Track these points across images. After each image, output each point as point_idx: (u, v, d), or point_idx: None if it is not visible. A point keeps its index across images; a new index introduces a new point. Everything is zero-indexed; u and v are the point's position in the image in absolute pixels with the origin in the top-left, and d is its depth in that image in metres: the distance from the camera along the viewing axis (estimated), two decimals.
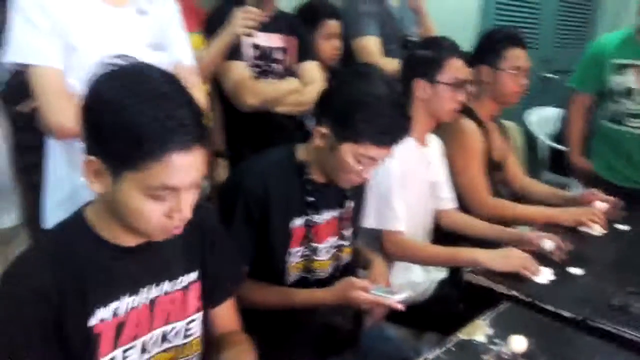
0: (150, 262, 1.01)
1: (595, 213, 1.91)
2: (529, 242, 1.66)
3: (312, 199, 1.37)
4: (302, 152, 1.40)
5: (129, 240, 0.97)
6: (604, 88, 2.48)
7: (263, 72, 1.96)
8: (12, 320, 0.89)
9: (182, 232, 0.97)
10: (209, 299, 1.13)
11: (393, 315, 1.74)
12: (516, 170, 2.32)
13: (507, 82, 2.01)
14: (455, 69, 1.72)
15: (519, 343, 1.16)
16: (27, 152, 1.46)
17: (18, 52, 1.29)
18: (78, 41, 1.32)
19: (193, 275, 1.09)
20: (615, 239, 1.84)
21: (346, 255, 1.51)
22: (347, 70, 1.51)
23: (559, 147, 3.45)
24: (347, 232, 1.50)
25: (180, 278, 1.06)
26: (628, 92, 2.40)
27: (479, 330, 1.27)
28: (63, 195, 1.40)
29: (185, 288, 1.07)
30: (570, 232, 1.84)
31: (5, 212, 1.49)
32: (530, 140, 3.73)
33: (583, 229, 1.88)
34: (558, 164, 3.45)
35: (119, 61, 0.89)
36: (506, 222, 1.90)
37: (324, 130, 1.30)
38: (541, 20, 3.96)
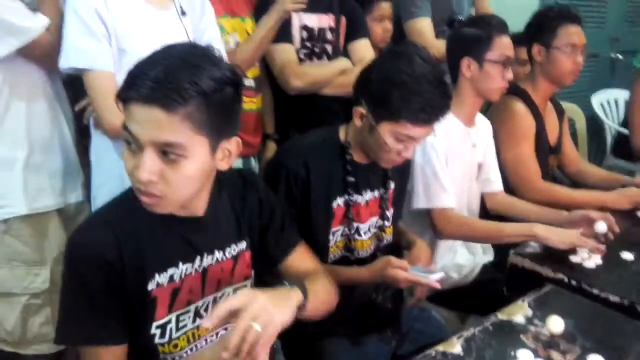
0: (205, 231, 1.06)
1: None
2: (582, 223, 1.61)
3: (352, 179, 1.40)
4: (343, 132, 1.42)
5: (186, 212, 1.02)
6: None
7: (313, 54, 1.96)
8: (76, 284, 0.96)
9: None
10: (272, 256, 1.18)
11: (437, 297, 1.77)
12: (573, 154, 2.24)
13: (562, 60, 1.94)
14: (504, 46, 1.68)
15: (556, 324, 1.15)
16: (88, 135, 1.56)
17: (75, 56, 1.37)
18: (128, 44, 1.39)
19: (242, 245, 1.14)
20: None
21: (388, 235, 1.53)
22: (385, 50, 1.51)
23: (624, 130, 3.28)
24: (389, 213, 1.52)
25: (232, 246, 1.12)
26: None
27: (519, 311, 1.26)
28: (104, 178, 1.50)
29: (236, 257, 1.12)
30: (626, 216, 1.77)
31: (72, 189, 1.60)
32: (597, 124, 3.56)
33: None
34: (624, 149, 3.29)
35: None
36: (557, 207, 1.85)
37: (362, 110, 1.32)
38: None
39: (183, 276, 1.04)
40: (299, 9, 1.68)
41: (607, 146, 3.56)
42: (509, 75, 1.69)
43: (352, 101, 1.37)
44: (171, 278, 1.02)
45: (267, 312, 0.87)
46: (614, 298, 1.32)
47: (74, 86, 1.54)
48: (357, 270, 1.40)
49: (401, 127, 1.27)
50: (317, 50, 1.97)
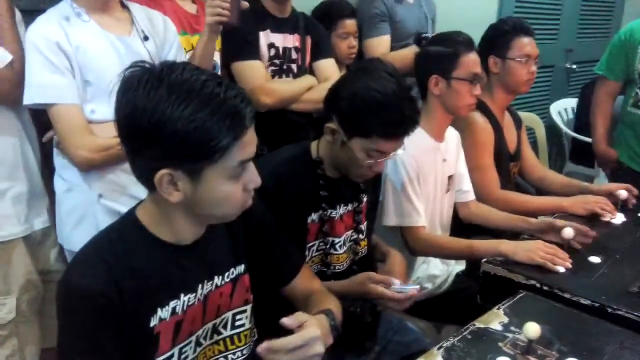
0: (203, 258, 1.04)
1: (604, 201, 1.89)
2: (549, 231, 1.66)
3: (326, 193, 1.40)
4: (315, 148, 1.43)
5: (185, 239, 1.01)
6: (632, 74, 2.45)
7: (279, 71, 1.99)
8: (74, 326, 0.92)
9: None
10: (279, 278, 1.21)
11: (413, 308, 1.77)
12: (533, 161, 2.31)
13: (517, 71, 2.01)
14: (471, 63, 1.72)
15: (533, 330, 1.17)
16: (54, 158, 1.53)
17: (39, 93, 1.36)
18: (92, 75, 1.39)
19: (240, 268, 1.12)
20: (637, 228, 1.81)
21: (362, 248, 1.54)
22: (353, 68, 1.53)
23: (581, 137, 3.40)
24: (363, 226, 1.53)
25: (230, 270, 1.10)
26: None
27: (495, 319, 1.28)
28: (71, 205, 1.47)
29: (234, 280, 1.11)
30: (590, 221, 1.82)
31: (38, 215, 1.55)
32: (556, 132, 3.69)
33: (604, 218, 1.87)
34: (581, 155, 3.41)
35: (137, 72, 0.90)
36: (517, 214, 1.90)
37: (333, 126, 1.33)
38: (562, 12, 3.91)
39: (185, 308, 1.01)
40: (221, 20, 1.54)
41: (566, 153, 3.69)
42: (477, 91, 1.74)
43: (319, 117, 1.38)
44: (174, 311, 0.99)
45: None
46: (585, 301, 1.36)
47: (40, 113, 1.50)
48: (337, 284, 1.40)
49: (372, 142, 1.29)
50: (283, 68, 2.00)
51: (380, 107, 1.26)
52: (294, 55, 2.01)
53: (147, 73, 0.88)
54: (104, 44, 1.42)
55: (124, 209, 1.41)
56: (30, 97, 1.36)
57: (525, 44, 2.00)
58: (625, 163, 2.54)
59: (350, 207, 1.47)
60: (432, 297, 1.83)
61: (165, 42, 1.56)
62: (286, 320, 0.94)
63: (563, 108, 3.80)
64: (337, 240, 1.45)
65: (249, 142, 0.93)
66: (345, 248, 1.48)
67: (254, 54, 1.89)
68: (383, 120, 1.26)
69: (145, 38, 1.48)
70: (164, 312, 0.97)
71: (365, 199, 1.51)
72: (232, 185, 0.93)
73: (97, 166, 1.42)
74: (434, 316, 1.88)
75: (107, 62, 1.39)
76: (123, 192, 1.45)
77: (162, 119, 0.85)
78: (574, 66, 4.06)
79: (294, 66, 2.02)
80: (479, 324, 1.27)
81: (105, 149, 1.38)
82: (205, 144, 0.87)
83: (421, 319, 1.84)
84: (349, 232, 1.49)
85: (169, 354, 0.99)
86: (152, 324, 0.96)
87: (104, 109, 1.37)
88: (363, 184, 1.48)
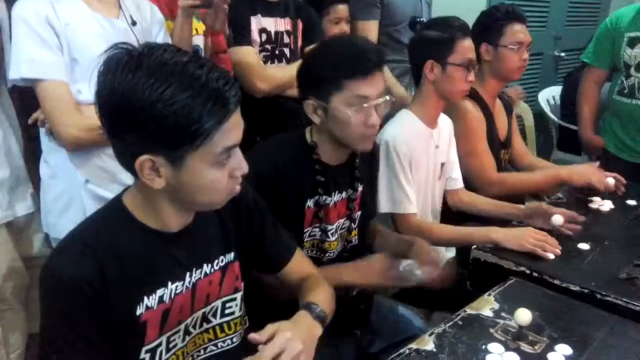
0: (192, 246, 1.02)
1: (601, 173, 1.92)
2: (538, 217, 1.67)
3: (322, 179, 1.39)
4: (309, 134, 1.41)
5: (172, 226, 0.98)
6: (618, 62, 2.46)
7: (271, 56, 1.96)
8: (58, 315, 0.89)
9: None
10: (271, 264, 1.21)
11: (402, 294, 1.78)
12: (522, 148, 2.32)
13: (509, 58, 2.00)
14: (466, 49, 1.71)
15: (524, 316, 1.17)
16: (39, 143, 1.49)
17: (27, 67, 1.32)
18: (80, 54, 1.35)
19: (230, 256, 1.10)
20: (625, 215, 1.83)
21: (353, 237, 1.53)
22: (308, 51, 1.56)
23: (567, 125, 3.42)
24: (356, 215, 1.52)
25: (219, 258, 1.08)
26: None
27: (486, 305, 1.29)
28: (57, 192, 1.45)
29: (224, 268, 1.09)
30: (579, 208, 1.83)
31: (21, 201, 1.53)
32: (544, 119, 3.70)
33: (592, 205, 1.88)
34: (569, 142, 3.42)
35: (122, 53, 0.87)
36: (517, 194, 1.91)
37: (310, 102, 1.33)
38: None
39: (173, 296, 0.99)
40: (192, 4, 1.53)
41: (554, 141, 3.71)
42: (471, 77, 1.73)
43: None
44: (161, 299, 0.97)
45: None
46: (574, 288, 1.37)
47: (24, 96, 1.46)
48: (347, 269, 1.40)
49: (348, 90, 1.28)
50: (276, 52, 1.97)
51: (338, 53, 1.31)
52: (286, 40, 1.99)
53: (126, 55, 0.85)
54: (93, 24, 1.39)
55: (111, 195, 1.41)
56: (18, 71, 1.32)
57: (518, 31, 2.00)
58: (611, 151, 2.56)
59: (344, 194, 1.46)
60: (422, 284, 1.83)
61: (152, 27, 1.54)
62: (254, 336, 0.94)
63: (551, 95, 3.81)
64: (329, 227, 1.44)
65: (234, 127, 0.89)
66: (336, 236, 1.48)
67: (246, 39, 1.87)
68: (346, 63, 1.28)
69: (133, 23, 1.46)
70: (150, 301, 0.95)
71: (360, 188, 1.50)
72: (216, 171, 0.90)
73: (85, 146, 1.38)
74: (424, 303, 1.89)
75: (95, 42, 1.36)
76: (110, 177, 1.42)
77: (140, 102, 0.82)
78: (563, 54, 4.07)
79: (286, 50, 1.99)
80: (469, 310, 1.27)
81: (94, 129, 1.33)
82: (186, 128, 0.84)
83: (410, 306, 1.85)
84: (342, 220, 1.48)
85: (156, 342, 0.97)
86: (138, 312, 0.94)
87: (91, 89, 1.32)
88: (359, 172, 1.47)
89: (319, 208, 1.40)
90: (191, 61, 0.86)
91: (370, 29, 2.31)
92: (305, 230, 1.41)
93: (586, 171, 1.94)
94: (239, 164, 0.94)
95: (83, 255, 0.90)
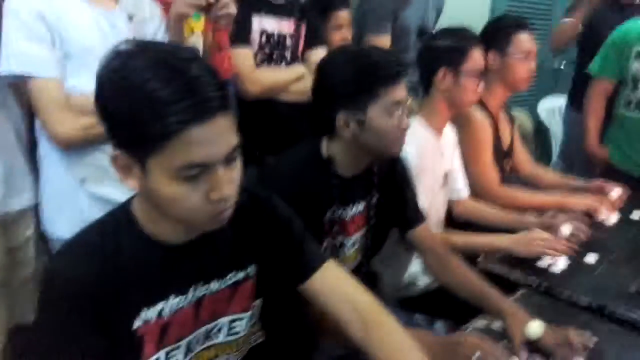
0: (198, 260, 0.96)
1: (605, 199, 1.93)
2: (546, 229, 1.66)
3: (339, 193, 1.36)
4: (326, 147, 1.37)
5: (178, 237, 0.92)
6: (626, 75, 2.47)
7: (269, 59, 1.93)
8: (56, 320, 0.87)
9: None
10: (294, 275, 1.07)
11: (406, 302, 1.77)
12: (524, 158, 2.32)
13: (517, 67, 2.00)
14: (478, 58, 1.71)
15: (536, 329, 1.17)
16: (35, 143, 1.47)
17: (17, 62, 1.28)
18: (74, 48, 1.33)
19: (243, 273, 1.03)
20: (630, 228, 1.84)
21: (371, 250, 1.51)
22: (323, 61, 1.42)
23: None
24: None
25: (229, 275, 1.02)
26: None
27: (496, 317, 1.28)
28: (54, 188, 1.43)
29: (235, 285, 1.02)
30: (584, 221, 1.83)
31: (15, 195, 1.49)
32: (543, 129, 3.71)
33: (598, 218, 1.89)
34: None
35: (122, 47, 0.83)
36: (518, 210, 1.91)
37: (342, 116, 1.28)
38: (553, 11, 3.93)
39: (174, 310, 0.94)
40: (190, 11, 1.46)
41: (552, 151, 3.72)
42: (481, 87, 1.73)
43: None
44: (160, 313, 0.92)
45: None
46: (584, 301, 1.36)
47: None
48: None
49: (386, 95, 1.26)
50: (274, 56, 1.94)
51: (369, 63, 1.27)
52: (288, 42, 1.95)
53: (120, 49, 0.81)
54: (88, 17, 1.36)
55: (109, 194, 1.37)
56: (7, 65, 1.28)
57: (526, 40, 2.00)
58: (615, 163, 2.57)
59: (361, 207, 1.44)
60: (427, 292, 1.83)
61: (150, 22, 1.51)
62: None
63: (551, 106, 3.83)
64: (347, 240, 1.42)
65: (206, 141, 0.77)
66: (355, 248, 1.46)
67: (243, 39, 1.83)
68: (378, 69, 1.26)
69: (130, 18, 1.43)
70: (149, 314, 0.90)
71: (376, 198, 1.46)
72: (177, 187, 0.79)
73: (78, 145, 1.36)
74: (427, 310, 1.88)
75: (89, 36, 1.34)
76: (106, 175, 1.38)
77: (109, 92, 0.79)
78: (562, 65, 4.09)
79: (287, 53, 1.96)
80: (481, 321, 1.27)
81: (86, 128, 1.32)
82: (147, 123, 0.75)
83: (413, 313, 1.84)
84: (359, 233, 1.45)
85: (154, 357, 0.93)
86: (135, 325, 0.89)
87: (85, 84, 1.29)
88: (377, 183, 1.44)
89: (335, 221, 1.37)
90: (176, 53, 0.80)
91: (382, 44, 2.28)
92: (324, 244, 1.36)
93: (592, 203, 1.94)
94: (215, 186, 0.81)
95: (87, 260, 0.87)
